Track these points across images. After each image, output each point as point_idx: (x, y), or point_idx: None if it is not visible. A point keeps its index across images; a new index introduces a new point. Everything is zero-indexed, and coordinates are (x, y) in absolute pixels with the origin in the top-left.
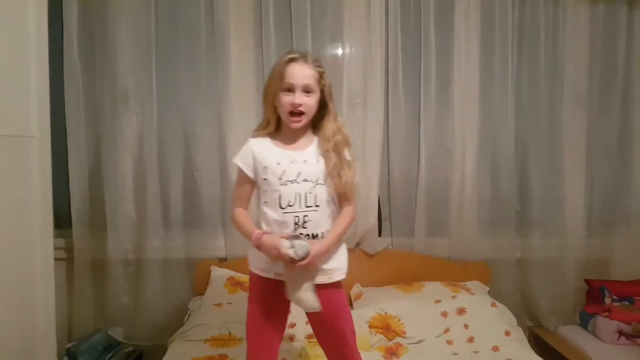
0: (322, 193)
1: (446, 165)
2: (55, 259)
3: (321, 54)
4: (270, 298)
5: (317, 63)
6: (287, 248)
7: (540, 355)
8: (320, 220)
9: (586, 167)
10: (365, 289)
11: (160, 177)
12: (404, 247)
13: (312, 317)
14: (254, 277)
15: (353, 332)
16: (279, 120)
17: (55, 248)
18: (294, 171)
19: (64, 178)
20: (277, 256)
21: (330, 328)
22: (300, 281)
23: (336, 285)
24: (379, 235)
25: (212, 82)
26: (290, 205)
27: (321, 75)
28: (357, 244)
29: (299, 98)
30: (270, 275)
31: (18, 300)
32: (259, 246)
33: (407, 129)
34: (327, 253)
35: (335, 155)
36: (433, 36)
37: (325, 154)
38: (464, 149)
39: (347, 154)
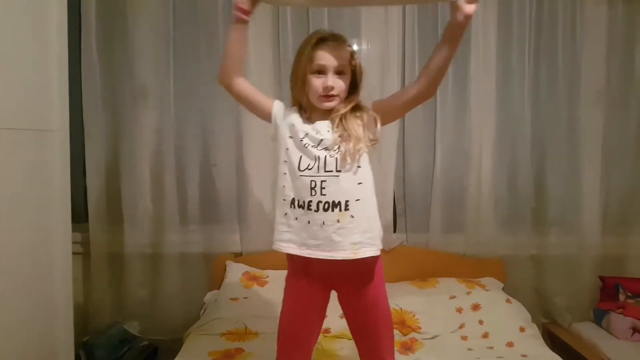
0: (345, 158)
1: (462, 163)
2: (72, 253)
3: None
4: (304, 290)
5: (348, 42)
6: None
7: (554, 351)
8: (342, 187)
9: (603, 165)
10: None
11: (178, 172)
12: (419, 244)
13: (345, 311)
14: (288, 273)
15: (389, 326)
16: (308, 104)
17: (72, 242)
18: (315, 139)
19: (80, 172)
20: None
21: (363, 322)
22: None
23: (366, 265)
24: (394, 231)
25: None
26: (309, 169)
27: (352, 55)
28: None
29: (331, 80)
30: (290, 250)
31: (36, 294)
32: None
33: (423, 126)
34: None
35: (345, 120)
36: None
37: (333, 122)
38: (481, 146)
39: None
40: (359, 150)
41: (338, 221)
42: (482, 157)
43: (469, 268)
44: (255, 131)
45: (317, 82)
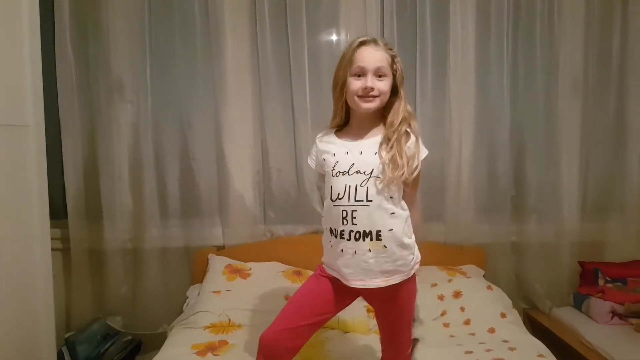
0: (377, 187)
1: (443, 152)
2: (52, 249)
3: (317, 41)
4: (334, 285)
5: (389, 46)
6: None
7: (535, 336)
8: (374, 217)
9: (581, 154)
10: None
11: (157, 166)
12: None
13: (374, 305)
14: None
15: (409, 326)
16: (348, 112)
17: (51, 238)
18: (347, 162)
19: (58, 168)
20: None
21: (388, 323)
22: None
23: (398, 288)
24: None
25: (208, 70)
26: (340, 198)
27: (393, 59)
28: None
29: (371, 81)
30: (333, 275)
31: (17, 291)
32: None
33: None
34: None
35: (397, 144)
36: (429, 24)
37: (386, 143)
38: (460, 135)
39: (413, 143)
40: (394, 181)
41: (369, 250)
42: (462, 146)
43: (450, 256)
44: (235, 124)
45: (356, 84)
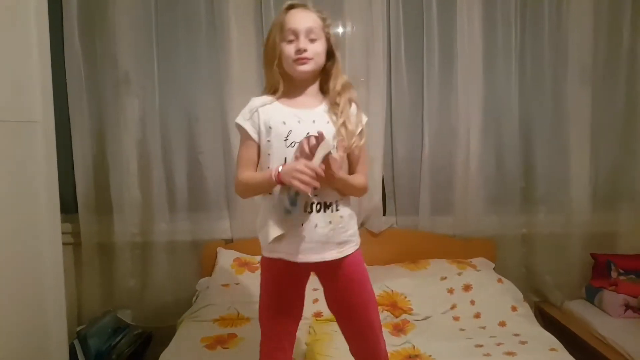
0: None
1: (450, 143)
2: (63, 244)
3: None
4: (284, 283)
5: (318, 9)
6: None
7: (546, 329)
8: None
9: (591, 143)
10: (370, 268)
11: (165, 160)
12: (408, 226)
13: (330, 297)
14: (265, 263)
15: (376, 309)
16: (284, 82)
17: (62, 233)
18: (301, 132)
19: (68, 163)
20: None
21: (351, 307)
22: None
23: (351, 259)
24: (384, 214)
25: (213, 63)
26: None
27: (324, 22)
28: (362, 224)
29: (303, 43)
30: (280, 256)
31: (28, 286)
32: (281, 178)
33: (410, 107)
34: (334, 179)
35: (347, 111)
36: (435, 12)
37: (335, 109)
38: (468, 126)
39: (355, 111)
40: (350, 148)
41: (330, 222)
42: (470, 137)
43: (460, 249)
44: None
45: (289, 47)
